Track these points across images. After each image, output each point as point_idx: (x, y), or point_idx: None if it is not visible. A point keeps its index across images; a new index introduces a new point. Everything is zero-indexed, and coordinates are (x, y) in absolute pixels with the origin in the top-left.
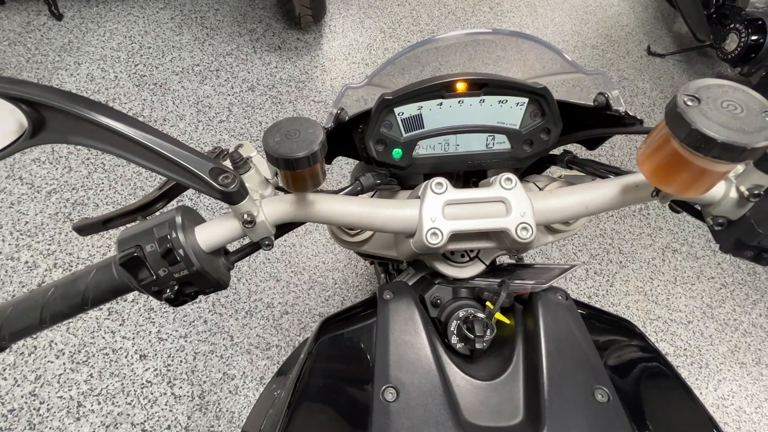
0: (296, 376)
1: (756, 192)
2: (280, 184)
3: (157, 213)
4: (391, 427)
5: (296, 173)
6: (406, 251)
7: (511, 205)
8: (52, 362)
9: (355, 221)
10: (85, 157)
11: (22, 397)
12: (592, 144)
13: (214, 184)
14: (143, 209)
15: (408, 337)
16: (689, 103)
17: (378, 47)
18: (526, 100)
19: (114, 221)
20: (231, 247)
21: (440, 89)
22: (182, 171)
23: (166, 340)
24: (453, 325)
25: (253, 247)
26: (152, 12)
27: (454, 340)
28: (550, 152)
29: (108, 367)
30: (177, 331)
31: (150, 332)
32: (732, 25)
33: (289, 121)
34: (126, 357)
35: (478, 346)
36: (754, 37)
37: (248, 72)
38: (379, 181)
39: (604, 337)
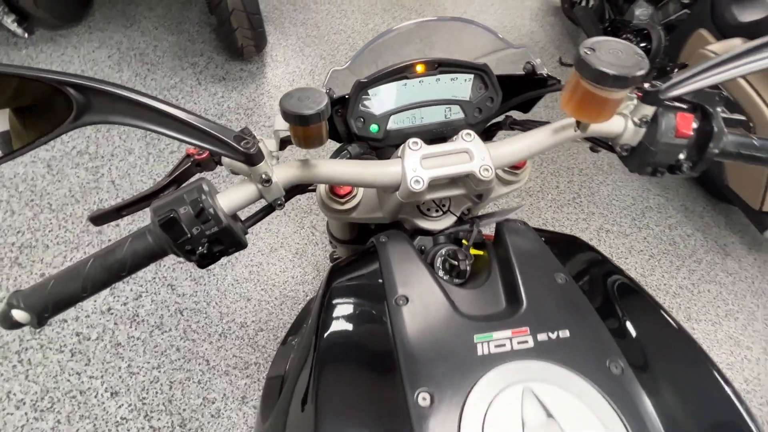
0: (316, 316)
1: (645, 120)
2: (292, 142)
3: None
4: (406, 324)
5: (307, 129)
6: (392, 207)
7: (473, 153)
8: (11, 414)
9: (351, 179)
10: (29, 199)
11: None
12: (526, 107)
13: (238, 147)
14: (155, 195)
15: (407, 263)
16: (588, 52)
17: (320, 72)
18: (472, 75)
19: (128, 208)
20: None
21: (403, 71)
22: (212, 139)
23: (138, 373)
24: (438, 262)
25: (266, 211)
26: (87, 51)
27: (441, 273)
28: (495, 120)
29: (77, 410)
30: (149, 362)
31: (119, 368)
32: (624, 36)
33: (299, 90)
34: (96, 396)
35: (462, 267)
36: (642, 44)
37: (195, 103)
38: (362, 151)
39: (557, 246)
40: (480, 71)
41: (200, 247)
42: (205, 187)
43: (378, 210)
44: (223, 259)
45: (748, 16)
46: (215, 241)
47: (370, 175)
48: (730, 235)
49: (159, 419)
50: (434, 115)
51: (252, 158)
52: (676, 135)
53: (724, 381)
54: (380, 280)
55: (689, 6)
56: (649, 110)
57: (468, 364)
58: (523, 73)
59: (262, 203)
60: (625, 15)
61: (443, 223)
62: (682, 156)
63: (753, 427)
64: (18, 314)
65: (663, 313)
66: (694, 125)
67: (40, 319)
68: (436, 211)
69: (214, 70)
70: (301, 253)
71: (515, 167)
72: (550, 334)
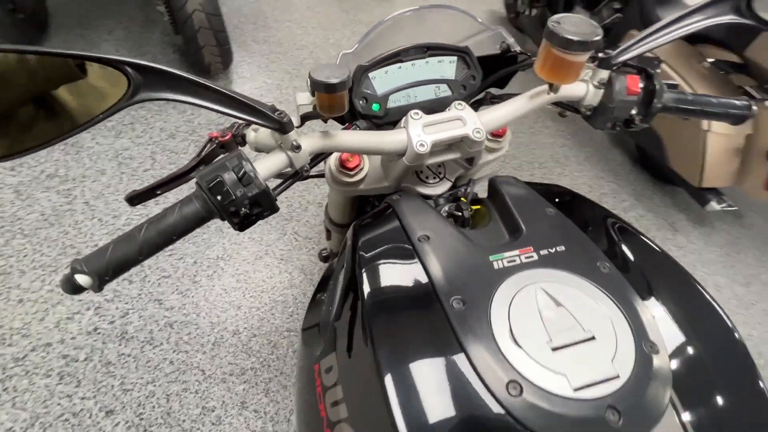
0: (351, 266)
1: (602, 82)
2: (311, 119)
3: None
4: (432, 254)
5: (333, 96)
6: (397, 173)
7: (466, 119)
8: None
9: (366, 146)
10: (0, 226)
11: None
12: (502, 84)
13: (274, 116)
14: (184, 175)
15: (422, 212)
16: (555, 25)
17: (287, 86)
18: (455, 57)
19: (162, 187)
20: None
21: (398, 56)
22: (251, 110)
23: (132, 389)
24: (444, 214)
25: (293, 178)
26: None
27: None
28: (477, 97)
29: None
30: (142, 378)
31: (112, 386)
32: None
33: (323, 66)
34: (90, 417)
35: (465, 215)
36: None
37: (164, 122)
38: (369, 127)
39: (543, 190)
40: (462, 53)
41: (243, 209)
42: (245, 155)
43: (383, 180)
44: (209, 270)
45: (669, 15)
46: (255, 203)
47: (382, 143)
48: (677, 213)
49: None
50: (426, 94)
51: (285, 126)
52: (628, 93)
53: (693, 279)
54: (401, 228)
55: (620, 10)
56: (604, 74)
57: (488, 276)
58: (499, 51)
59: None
60: None
61: (440, 188)
62: (633, 111)
63: (723, 316)
64: (81, 278)
65: (634, 230)
66: (641, 84)
67: (100, 282)
68: (434, 178)
69: None
70: (287, 259)
71: (497, 135)
72: (550, 250)
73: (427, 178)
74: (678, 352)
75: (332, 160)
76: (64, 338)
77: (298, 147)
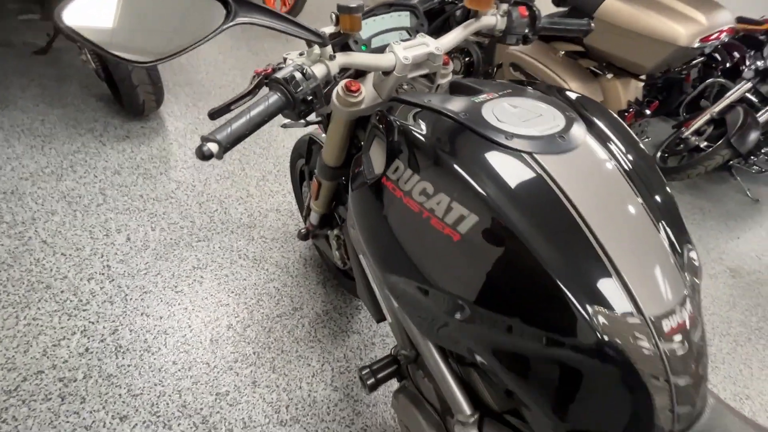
0: (391, 136)
1: (505, 12)
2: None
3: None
4: (441, 101)
5: (353, 17)
6: (388, 86)
7: (429, 43)
8: None
9: (370, 63)
10: None
11: None
12: (446, 27)
13: (317, 31)
14: (243, 98)
15: (417, 92)
16: None
17: (218, 120)
18: (408, 11)
19: (235, 104)
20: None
21: (372, 11)
22: (305, 29)
23: (141, 394)
24: None
25: (325, 84)
26: None
27: None
28: None
29: None
30: (148, 381)
31: (120, 394)
32: (452, 55)
33: (343, 2)
34: (104, 426)
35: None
36: (466, 59)
37: (106, 161)
38: None
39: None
40: (412, 8)
41: (307, 96)
42: (299, 62)
43: (376, 99)
44: (189, 279)
45: None
46: (313, 94)
47: (380, 60)
48: None
49: (179, 424)
50: (393, 38)
51: (325, 39)
52: (521, 17)
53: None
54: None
55: None
56: (505, 7)
57: (477, 104)
58: (437, 4)
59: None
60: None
61: None
62: (527, 30)
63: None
64: (210, 146)
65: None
66: (527, 12)
67: (224, 150)
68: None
69: (115, 131)
70: (260, 259)
71: (446, 63)
72: (503, 91)
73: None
74: (588, 121)
75: (339, 87)
76: (56, 363)
77: (333, 57)
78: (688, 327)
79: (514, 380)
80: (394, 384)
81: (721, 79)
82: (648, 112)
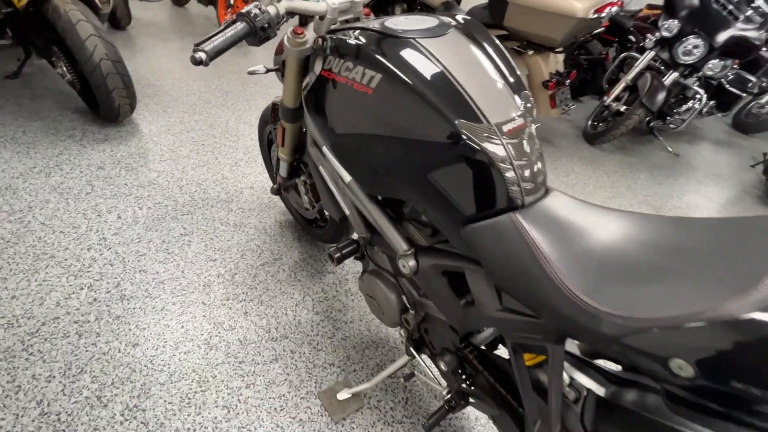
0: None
1: None
2: None
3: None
4: (381, 23)
5: None
6: (324, 26)
7: None
8: None
9: (310, 9)
10: None
11: None
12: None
13: None
14: (227, 28)
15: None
16: None
17: (189, 121)
18: None
19: (215, 36)
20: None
21: None
22: None
23: (147, 328)
24: None
25: (278, 21)
26: None
27: None
28: None
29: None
30: (153, 318)
31: (129, 329)
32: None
33: None
34: (119, 352)
35: None
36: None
37: (89, 159)
38: None
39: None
40: None
41: (263, 25)
42: (256, 4)
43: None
44: (178, 244)
45: None
46: (268, 25)
47: (315, 6)
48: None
49: (185, 346)
50: None
51: None
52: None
53: None
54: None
55: None
56: None
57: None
58: None
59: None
60: None
61: None
62: None
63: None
64: (199, 54)
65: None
66: None
67: (209, 58)
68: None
69: (93, 135)
70: (239, 225)
71: (366, 14)
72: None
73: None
74: (461, 25)
75: (289, 33)
76: (69, 311)
77: (279, 1)
78: (522, 130)
79: (419, 195)
80: (365, 307)
81: (635, 53)
82: (567, 82)
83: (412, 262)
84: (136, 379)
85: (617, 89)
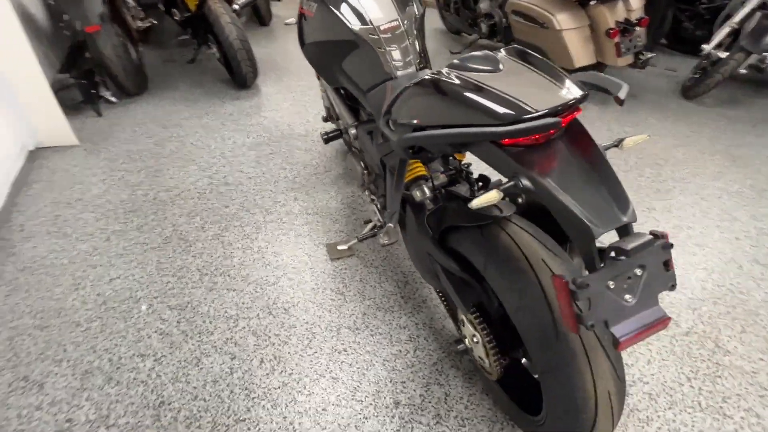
0: None
1: None
2: None
3: None
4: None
5: None
6: None
7: None
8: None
9: None
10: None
11: None
12: None
13: None
14: None
15: None
16: None
17: (294, 85)
18: None
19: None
20: None
21: None
22: None
23: (242, 200)
24: None
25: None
26: (152, 107)
27: None
28: None
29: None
30: (246, 194)
31: (230, 197)
32: (480, 20)
33: None
34: (230, 209)
35: None
36: (490, 23)
37: (225, 109)
38: None
39: None
40: None
41: None
42: None
43: None
44: (271, 158)
45: None
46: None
47: None
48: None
49: (268, 210)
50: None
51: None
52: None
53: None
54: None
55: None
56: None
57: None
58: None
59: None
60: (477, 10)
61: None
62: None
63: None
64: (234, 6)
65: None
66: None
67: (242, 8)
68: None
69: (230, 95)
70: (312, 150)
71: None
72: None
73: None
74: None
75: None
76: (197, 187)
77: None
78: (394, 28)
79: (345, 79)
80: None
81: None
82: (637, 28)
83: (353, 131)
84: (221, 221)
85: (720, 34)
